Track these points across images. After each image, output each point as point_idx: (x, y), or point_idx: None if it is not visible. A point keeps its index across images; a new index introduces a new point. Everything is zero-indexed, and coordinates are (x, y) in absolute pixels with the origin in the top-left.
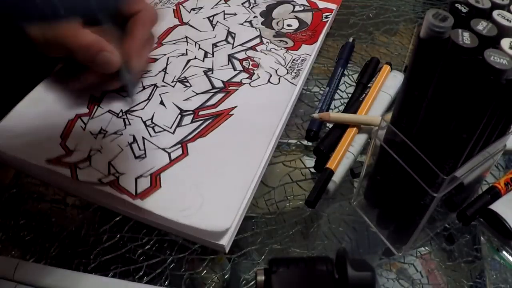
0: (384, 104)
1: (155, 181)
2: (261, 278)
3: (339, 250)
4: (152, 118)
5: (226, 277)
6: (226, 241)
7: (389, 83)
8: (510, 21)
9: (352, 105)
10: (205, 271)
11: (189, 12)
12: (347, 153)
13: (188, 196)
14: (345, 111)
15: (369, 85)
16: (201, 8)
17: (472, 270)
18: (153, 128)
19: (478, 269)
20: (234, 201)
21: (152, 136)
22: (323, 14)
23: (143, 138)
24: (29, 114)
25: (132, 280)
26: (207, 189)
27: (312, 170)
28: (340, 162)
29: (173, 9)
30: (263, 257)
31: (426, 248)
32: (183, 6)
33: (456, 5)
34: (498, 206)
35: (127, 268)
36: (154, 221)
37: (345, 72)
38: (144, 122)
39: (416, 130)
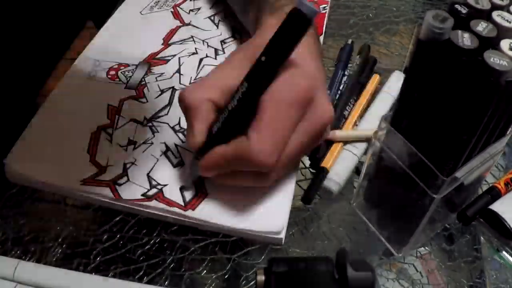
0: (387, 105)
1: (200, 189)
2: (261, 278)
3: (339, 250)
4: (179, 123)
5: (226, 277)
6: (283, 234)
7: (391, 84)
8: (509, 22)
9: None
10: (205, 271)
11: (188, 13)
12: (350, 154)
13: (238, 200)
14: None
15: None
16: (199, 8)
17: (472, 270)
18: (183, 132)
19: (478, 269)
20: (283, 200)
21: (184, 141)
22: (320, 6)
23: (176, 144)
24: (47, 129)
25: (132, 280)
26: (253, 190)
27: (312, 170)
28: (336, 160)
29: (171, 11)
30: (263, 257)
31: (426, 248)
32: (181, 8)
33: (456, 6)
34: (498, 206)
35: (127, 268)
36: (207, 227)
37: (345, 73)
38: (172, 128)
39: (416, 131)
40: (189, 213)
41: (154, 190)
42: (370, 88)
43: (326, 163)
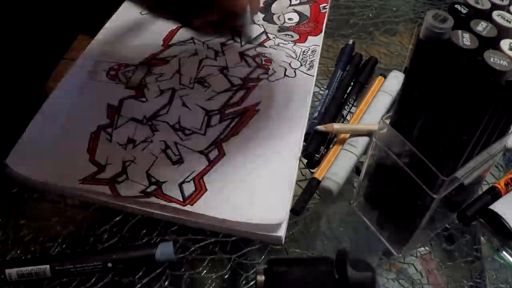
0: (385, 105)
1: (199, 185)
2: (261, 278)
3: (339, 250)
4: (179, 122)
5: (226, 277)
6: (282, 232)
7: (390, 83)
8: (509, 22)
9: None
10: (205, 271)
11: None
12: (349, 154)
13: (237, 194)
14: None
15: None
16: None
17: (472, 270)
18: (182, 131)
19: (478, 269)
20: (283, 192)
21: (184, 139)
22: (320, 6)
23: (175, 143)
24: (47, 130)
25: (132, 280)
26: (253, 184)
27: (312, 170)
28: (328, 170)
29: None
30: (263, 257)
31: (426, 248)
32: None
33: (456, 6)
34: (498, 206)
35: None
36: (207, 223)
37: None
38: (172, 126)
39: (416, 131)
40: (188, 208)
41: (153, 187)
42: (374, 89)
43: (319, 174)
